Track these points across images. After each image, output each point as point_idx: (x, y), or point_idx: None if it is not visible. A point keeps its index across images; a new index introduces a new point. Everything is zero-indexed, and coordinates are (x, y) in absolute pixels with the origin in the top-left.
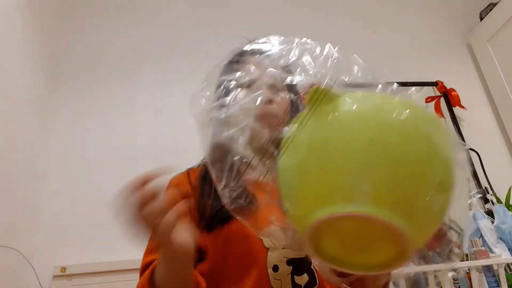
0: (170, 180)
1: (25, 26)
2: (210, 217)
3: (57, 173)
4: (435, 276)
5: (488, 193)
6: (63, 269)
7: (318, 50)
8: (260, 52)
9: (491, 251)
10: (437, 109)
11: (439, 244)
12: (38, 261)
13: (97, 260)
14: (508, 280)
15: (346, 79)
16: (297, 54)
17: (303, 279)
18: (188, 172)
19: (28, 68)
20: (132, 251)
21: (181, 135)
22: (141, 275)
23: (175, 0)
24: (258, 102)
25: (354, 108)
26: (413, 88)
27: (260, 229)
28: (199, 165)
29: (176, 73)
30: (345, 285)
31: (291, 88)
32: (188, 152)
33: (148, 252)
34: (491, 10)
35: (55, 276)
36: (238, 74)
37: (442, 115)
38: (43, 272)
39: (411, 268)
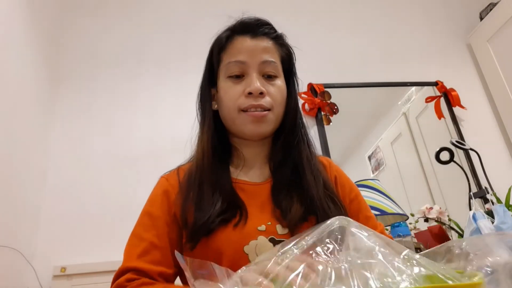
0: (161, 177)
1: (26, 27)
2: (193, 230)
3: (57, 173)
4: None
5: (488, 193)
6: (63, 269)
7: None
8: (250, 30)
9: None
10: (437, 109)
11: (439, 244)
12: (38, 261)
13: (97, 260)
14: None
15: None
16: None
17: None
18: (178, 169)
19: (28, 69)
20: None
21: (180, 135)
22: (115, 279)
23: (175, 1)
24: None
25: None
26: (413, 88)
27: (247, 242)
28: (188, 161)
29: (176, 74)
30: None
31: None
32: (187, 152)
33: (133, 258)
34: (491, 10)
35: (55, 276)
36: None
37: (442, 115)
38: (43, 272)
39: None
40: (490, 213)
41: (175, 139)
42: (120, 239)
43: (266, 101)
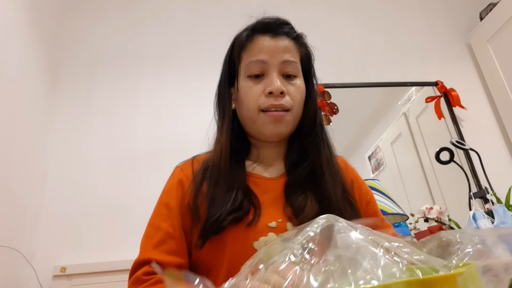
0: (176, 167)
1: (26, 27)
2: (204, 227)
3: (57, 173)
4: None
5: (488, 193)
6: (63, 269)
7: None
8: (271, 30)
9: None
10: (437, 109)
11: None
12: (38, 261)
13: (97, 260)
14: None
15: None
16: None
17: None
18: (193, 160)
19: (28, 69)
20: (132, 251)
21: (181, 135)
22: (133, 271)
23: (175, 1)
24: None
25: None
26: (413, 88)
27: (256, 238)
28: (205, 153)
29: (176, 74)
30: None
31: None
32: (188, 152)
33: (149, 249)
34: (491, 10)
35: (55, 276)
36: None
37: (442, 115)
38: (43, 272)
39: None
40: (490, 213)
41: (175, 138)
42: (120, 239)
43: (286, 101)
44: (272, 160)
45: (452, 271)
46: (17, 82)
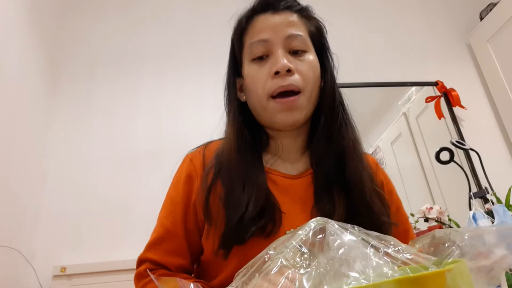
0: (186, 155)
1: (26, 27)
2: (225, 234)
3: (57, 173)
4: None
5: (488, 193)
6: (63, 269)
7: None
8: (271, 7)
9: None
10: (437, 109)
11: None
12: (38, 261)
13: (97, 260)
14: (508, 280)
15: None
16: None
17: None
18: (205, 148)
19: (28, 69)
20: (132, 251)
21: (181, 135)
22: (137, 267)
23: (175, 1)
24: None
25: None
26: (413, 88)
27: None
28: (219, 139)
29: (176, 74)
30: None
31: (319, 41)
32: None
33: (151, 246)
34: (491, 10)
35: (55, 276)
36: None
37: (442, 115)
38: (43, 272)
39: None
40: (490, 213)
41: (175, 138)
42: (120, 239)
43: (295, 79)
44: (293, 151)
45: (441, 268)
46: (17, 82)
